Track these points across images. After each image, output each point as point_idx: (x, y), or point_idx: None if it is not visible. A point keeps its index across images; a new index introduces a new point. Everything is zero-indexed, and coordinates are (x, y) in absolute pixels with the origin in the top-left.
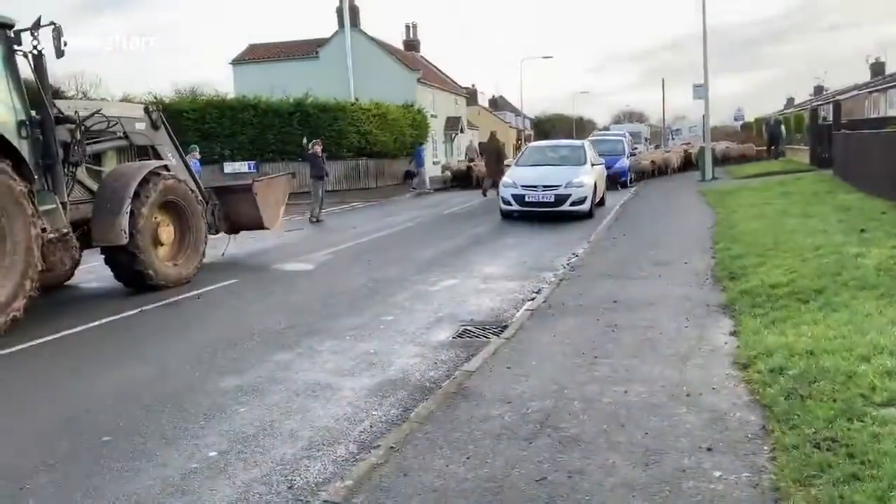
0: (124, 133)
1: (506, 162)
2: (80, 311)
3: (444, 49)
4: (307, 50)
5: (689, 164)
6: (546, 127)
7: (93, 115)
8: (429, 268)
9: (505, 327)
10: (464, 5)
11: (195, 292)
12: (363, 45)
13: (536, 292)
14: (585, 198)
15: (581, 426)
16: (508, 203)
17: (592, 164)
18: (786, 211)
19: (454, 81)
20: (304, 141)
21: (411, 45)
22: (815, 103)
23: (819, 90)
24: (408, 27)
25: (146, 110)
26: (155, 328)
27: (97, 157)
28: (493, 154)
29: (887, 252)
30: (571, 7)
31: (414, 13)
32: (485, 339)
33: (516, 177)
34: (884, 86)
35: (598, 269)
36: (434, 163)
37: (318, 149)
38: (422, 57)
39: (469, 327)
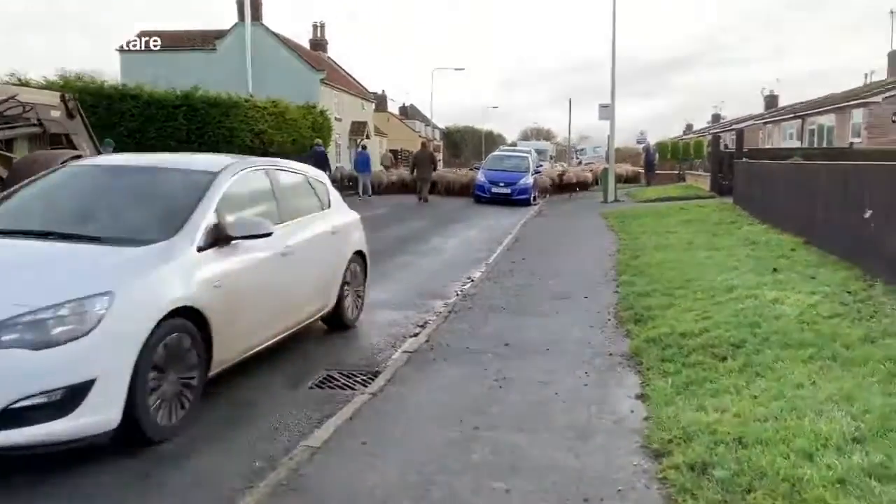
0: (38, 120)
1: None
2: None
3: (354, 53)
4: (203, 41)
5: (589, 183)
6: (455, 138)
7: (7, 100)
8: None
9: (376, 374)
10: (376, 12)
11: None
12: (264, 40)
13: (421, 326)
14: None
15: None
16: None
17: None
18: (692, 241)
19: (362, 86)
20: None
21: (318, 44)
22: (713, 130)
23: (717, 118)
24: (315, 26)
25: (62, 98)
26: None
27: (8, 143)
28: (428, 162)
29: (806, 299)
30: (485, 22)
31: (322, 13)
32: (350, 389)
33: None
34: (778, 118)
35: (492, 300)
36: (336, 167)
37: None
38: (329, 58)
39: (334, 373)
